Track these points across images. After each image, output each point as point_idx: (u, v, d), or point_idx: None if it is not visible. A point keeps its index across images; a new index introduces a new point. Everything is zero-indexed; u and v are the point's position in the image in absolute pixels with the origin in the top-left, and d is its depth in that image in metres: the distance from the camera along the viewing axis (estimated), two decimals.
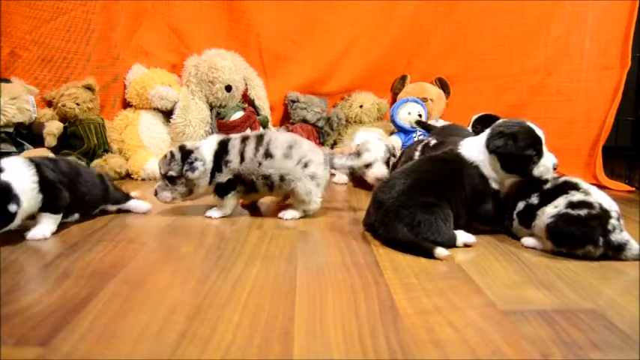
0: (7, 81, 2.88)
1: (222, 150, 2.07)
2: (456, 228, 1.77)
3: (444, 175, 1.83)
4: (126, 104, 3.36)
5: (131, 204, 2.15)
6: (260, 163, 2.04)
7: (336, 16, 3.61)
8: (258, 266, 1.50)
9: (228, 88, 3.29)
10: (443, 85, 3.65)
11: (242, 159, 2.05)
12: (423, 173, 1.83)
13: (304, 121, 3.52)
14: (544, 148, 1.80)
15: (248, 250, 1.66)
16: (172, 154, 2.05)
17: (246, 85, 3.43)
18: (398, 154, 2.80)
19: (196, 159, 2.01)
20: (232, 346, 1.03)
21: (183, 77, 3.38)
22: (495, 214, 1.85)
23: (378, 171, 2.68)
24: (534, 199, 1.76)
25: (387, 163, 2.73)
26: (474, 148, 1.85)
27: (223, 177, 2.06)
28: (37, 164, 1.76)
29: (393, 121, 3.41)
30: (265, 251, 1.66)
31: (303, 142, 2.13)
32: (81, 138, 3.00)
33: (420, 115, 3.38)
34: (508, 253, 1.69)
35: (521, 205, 1.80)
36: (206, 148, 2.07)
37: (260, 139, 2.08)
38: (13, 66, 3.02)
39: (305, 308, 1.21)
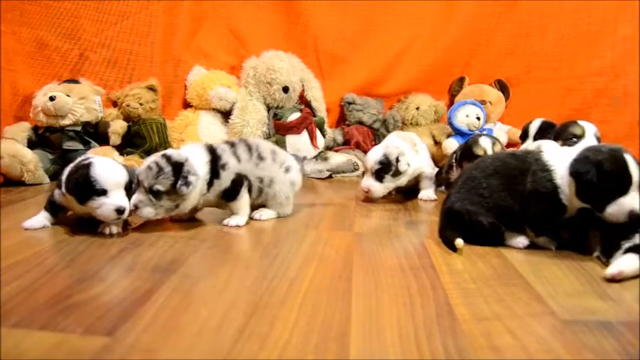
0: (76, 82, 3.02)
1: (214, 157, 1.94)
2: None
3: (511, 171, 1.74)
4: (186, 105, 3.46)
5: None
6: (257, 165, 2.00)
7: (393, 17, 3.58)
8: (314, 266, 1.52)
9: (286, 90, 3.33)
10: (502, 87, 3.56)
11: (238, 160, 1.97)
12: (505, 165, 1.76)
13: (360, 122, 3.52)
14: (633, 187, 1.51)
15: (304, 250, 1.68)
16: (159, 166, 1.79)
17: (303, 86, 3.46)
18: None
19: (189, 172, 1.81)
20: (289, 344, 1.04)
21: (241, 78, 3.44)
22: (548, 221, 1.71)
23: (364, 184, 2.39)
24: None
25: (379, 174, 2.35)
26: (559, 156, 1.66)
27: (226, 180, 1.93)
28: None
29: (451, 124, 3.35)
30: (322, 252, 1.67)
31: (280, 149, 2.15)
32: (143, 137, 3.10)
33: (478, 118, 3.32)
34: (570, 261, 1.62)
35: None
36: (196, 158, 1.89)
37: (247, 143, 2.03)
38: (83, 68, 3.16)
39: (361, 309, 1.21)
